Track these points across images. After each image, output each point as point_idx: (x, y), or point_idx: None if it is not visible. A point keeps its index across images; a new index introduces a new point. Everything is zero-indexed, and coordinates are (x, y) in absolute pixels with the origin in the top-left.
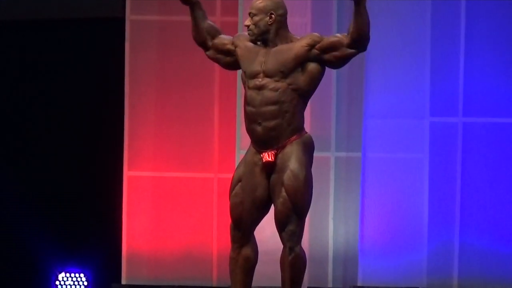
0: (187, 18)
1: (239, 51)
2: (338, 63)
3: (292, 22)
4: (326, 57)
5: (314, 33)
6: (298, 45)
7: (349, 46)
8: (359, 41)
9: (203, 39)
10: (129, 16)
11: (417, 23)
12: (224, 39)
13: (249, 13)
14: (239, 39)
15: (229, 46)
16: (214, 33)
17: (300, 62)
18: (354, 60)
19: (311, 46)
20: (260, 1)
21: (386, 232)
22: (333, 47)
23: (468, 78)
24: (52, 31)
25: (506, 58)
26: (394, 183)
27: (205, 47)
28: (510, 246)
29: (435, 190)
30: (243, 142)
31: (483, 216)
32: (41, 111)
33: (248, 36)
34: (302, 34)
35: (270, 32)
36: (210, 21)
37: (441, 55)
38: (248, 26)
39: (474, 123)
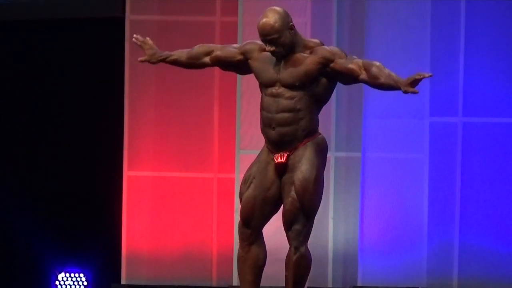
0: (187, 18)
1: (253, 64)
2: (346, 84)
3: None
4: (336, 78)
5: (327, 50)
6: (310, 61)
7: (362, 80)
8: (372, 86)
9: (200, 64)
10: (129, 16)
11: (417, 23)
12: (230, 52)
13: (269, 40)
14: (251, 49)
15: (239, 57)
16: (207, 51)
17: (312, 78)
18: None
19: (323, 64)
20: (271, 22)
21: (386, 232)
22: (346, 75)
23: (468, 78)
24: (52, 31)
25: (506, 58)
26: (394, 183)
27: (206, 66)
28: (510, 246)
29: (435, 190)
30: (243, 142)
31: (483, 216)
32: (41, 111)
33: (259, 43)
34: (310, 37)
35: (294, 42)
36: (190, 49)
37: (441, 55)
38: (274, 51)
39: (474, 123)
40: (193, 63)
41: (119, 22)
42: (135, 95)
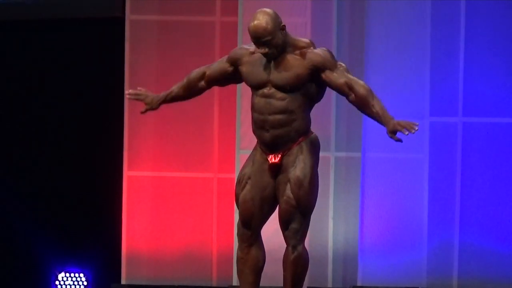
0: (187, 18)
1: (243, 69)
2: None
3: (292, 22)
4: (325, 86)
5: (317, 55)
6: (301, 65)
7: (351, 102)
8: (358, 109)
9: (198, 91)
10: (129, 16)
11: (417, 23)
12: (220, 67)
13: (263, 42)
14: (240, 55)
15: (230, 69)
16: (199, 75)
17: (303, 82)
18: (354, 60)
19: (313, 71)
20: (263, 24)
21: (386, 231)
22: (335, 89)
23: (468, 78)
24: (52, 31)
25: (506, 58)
26: (394, 183)
27: (204, 89)
28: (510, 246)
29: (435, 190)
30: (243, 142)
31: (483, 215)
32: (41, 111)
33: (248, 48)
34: (302, 36)
35: (285, 42)
36: (184, 80)
37: (441, 55)
38: (267, 53)
39: (474, 123)
40: (191, 93)
41: (119, 22)
42: None
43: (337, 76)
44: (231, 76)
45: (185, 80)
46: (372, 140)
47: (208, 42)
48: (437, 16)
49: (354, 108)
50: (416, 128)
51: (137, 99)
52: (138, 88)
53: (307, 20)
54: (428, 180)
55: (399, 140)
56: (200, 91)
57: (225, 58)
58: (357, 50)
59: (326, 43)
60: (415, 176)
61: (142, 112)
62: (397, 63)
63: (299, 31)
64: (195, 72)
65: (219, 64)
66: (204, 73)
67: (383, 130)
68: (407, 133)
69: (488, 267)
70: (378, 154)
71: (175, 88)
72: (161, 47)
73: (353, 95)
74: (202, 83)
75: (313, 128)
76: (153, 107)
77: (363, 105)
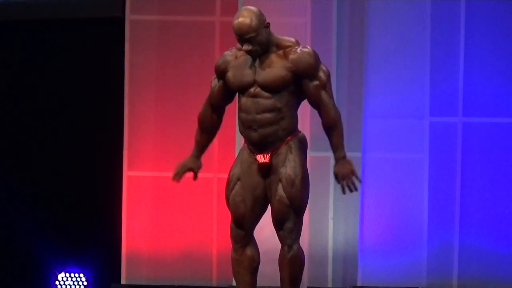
0: (187, 18)
1: (230, 74)
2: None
3: (292, 22)
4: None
5: (301, 59)
6: (284, 66)
7: (318, 113)
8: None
9: (218, 123)
10: (129, 16)
11: (417, 23)
12: (215, 84)
13: (247, 39)
14: (225, 62)
15: (221, 84)
16: (209, 108)
17: (288, 83)
18: (354, 60)
19: (294, 73)
20: (248, 21)
21: (386, 232)
22: (308, 101)
23: (468, 78)
24: (52, 31)
25: (506, 58)
26: (394, 183)
27: (221, 115)
28: (510, 246)
29: (435, 190)
30: (242, 142)
31: (483, 216)
32: (41, 111)
33: (231, 53)
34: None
35: (269, 40)
36: (199, 122)
37: (441, 55)
38: (251, 50)
39: (474, 123)
40: (213, 129)
41: (119, 22)
42: (135, 95)
43: (313, 90)
44: (228, 90)
45: (200, 125)
46: (372, 140)
47: (208, 42)
48: (437, 16)
49: (354, 108)
50: (357, 191)
51: (185, 173)
52: (177, 169)
53: (307, 20)
54: (428, 180)
55: (339, 183)
56: (218, 122)
57: (215, 75)
58: (357, 50)
59: (326, 43)
60: (415, 176)
61: (195, 179)
62: (397, 63)
63: (299, 31)
64: (203, 112)
65: (215, 86)
66: (210, 107)
67: (383, 130)
68: (344, 194)
69: (488, 267)
70: (378, 154)
71: (197, 137)
72: (161, 47)
73: (321, 115)
74: (215, 114)
75: (313, 128)
76: (199, 166)
77: (326, 129)
